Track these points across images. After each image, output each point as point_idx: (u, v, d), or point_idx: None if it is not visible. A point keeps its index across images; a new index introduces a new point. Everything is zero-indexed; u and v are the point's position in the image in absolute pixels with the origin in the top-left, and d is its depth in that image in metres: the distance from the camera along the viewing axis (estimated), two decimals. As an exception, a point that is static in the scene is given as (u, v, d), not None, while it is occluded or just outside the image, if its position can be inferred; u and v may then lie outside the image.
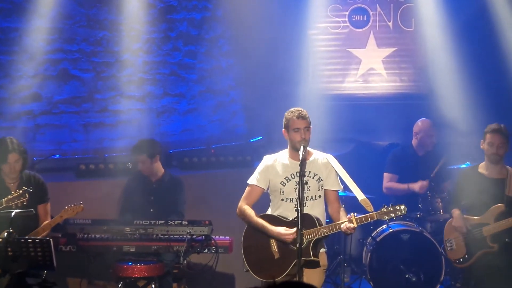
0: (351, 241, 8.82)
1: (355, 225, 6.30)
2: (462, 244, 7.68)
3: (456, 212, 7.73)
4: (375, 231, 8.93)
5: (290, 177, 6.54)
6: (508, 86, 10.40)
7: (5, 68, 9.31)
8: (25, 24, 9.32)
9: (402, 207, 6.29)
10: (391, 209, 6.30)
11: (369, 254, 8.79)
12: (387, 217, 6.38)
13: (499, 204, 7.52)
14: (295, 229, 6.29)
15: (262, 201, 6.75)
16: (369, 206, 6.39)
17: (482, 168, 7.74)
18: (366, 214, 6.33)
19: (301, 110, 6.52)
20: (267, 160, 6.67)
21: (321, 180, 6.56)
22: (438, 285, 8.63)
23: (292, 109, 6.55)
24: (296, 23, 10.93)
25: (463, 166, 7.93)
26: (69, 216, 7.36)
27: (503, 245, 7.56)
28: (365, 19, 11.10)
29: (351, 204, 8.23)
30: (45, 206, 7.54)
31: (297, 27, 10.95)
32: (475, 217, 7.63)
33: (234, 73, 11.02)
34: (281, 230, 6.42)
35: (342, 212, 6.54)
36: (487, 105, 10.23)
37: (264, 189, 6.63)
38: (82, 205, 7.31)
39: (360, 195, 6.42)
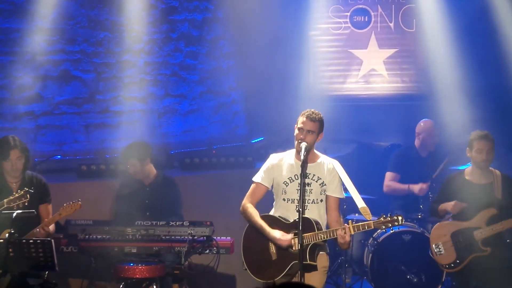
0: (352, 242, 8.81)
1: (352, 232, 6.28)
2: (451, 248, 7.65)
3: (450, 203, 7.68)
4: (376, 232, 8.92)
5: (293, 178, 6.53)
6: (509, 86, 10.40)
7: (6, 69, 9.31)
8: (26, 25, 9.32)
9: (400, 218, 6.27)
10: (389, 219, 6.28)
11: (370, 255, 8.79)
12: (384, 227, 6.36)
13: (490, 208, 7.51)
14: (290, 235, 6.33)
15: (265, 201, 6.74)
16: (368, 215, 6.39)
17: (468, 174, 7.72)
18: (364, 223, 6.32)
19: (314, 113, 6.46)
20: (273, 158, 6.66)
21: (324, 184, 6.55)
22: (440, 286, 8.63)
23: (310, 109, 6.51)
24: (297, 24, 10.94)
25: (465, 167, 7.92)
26: (68, 213, 7.33)
27: (505, 245, 7.55)
28: (366, 20, 11.11)
29: (353, 206, 8.22)
30: (47, 207, 7.54)
31: (298, 28, 10.96)
32: (464, 222, 7.62)
33: (235, 74, 11.03)
34: (277, 234, 6.41)
35: (340, 223, 6.51)
36: (488, 105, 10.23)
37: (268, 187, 6.63)
38: (80, 203, 7.29)
39: (360, 203, 6.41)
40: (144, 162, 8.15)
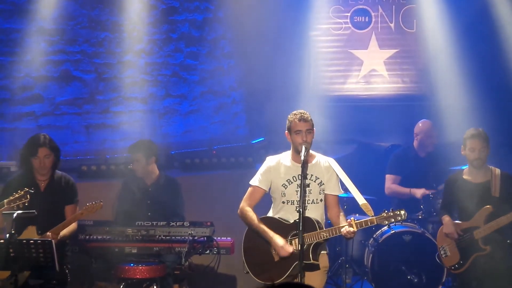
0: (352, 243, 8.82)
1: (355, 229, 6.29)
2: (455, 250, 7.67)
3: (446, 218, 7.73)
4: (377, 232, 8.93)
5: (292, 180, 6.53)
6: (509, 86, 10.40)
7: (7, 69, 9.32)
8: (26, 25, 9.33)
9: (402, 212, 6.28)
10: (391, 214, 6.29)
11: (371, 255, 8.79)
12: (387, 222, 6.37)
13: (487, 206, 7.53)
14: (292, 248, 6.34)
15: (263, 202, 6.74)
16: (369, 211, 6.38)
17: (466, 173, 7.75)
18: (366, 219, 6.32)
19: (303, 113, 6.51)
20: (270, 161, 6.66)
21: (323, 184, 6.55)
22: (440, 286, 8.64)
23: (295, 112, 6.54)
24: (297, 24, 10.93)
25: (464, 167, 7.92)
26: (89, 213, 7.29)
27: (506, 246, 7.56)
28: (367, 20, 11.10)
29: (353, 206, 8.23)
30: (73, 208, 7.49)
31: (299, 28, 10.95)
32: (465, 222, 7.64)
33: (235, 74, 11.03)
34: (280, 242, 6.40)
35: (342, 217, 6.52)
36: (489, 106, 10.23)
37: (265, 190, 6.63)
38: (101, 203, 7.28)
39: (360, 200, 6.41)
40: (150, 160, 8.16)
